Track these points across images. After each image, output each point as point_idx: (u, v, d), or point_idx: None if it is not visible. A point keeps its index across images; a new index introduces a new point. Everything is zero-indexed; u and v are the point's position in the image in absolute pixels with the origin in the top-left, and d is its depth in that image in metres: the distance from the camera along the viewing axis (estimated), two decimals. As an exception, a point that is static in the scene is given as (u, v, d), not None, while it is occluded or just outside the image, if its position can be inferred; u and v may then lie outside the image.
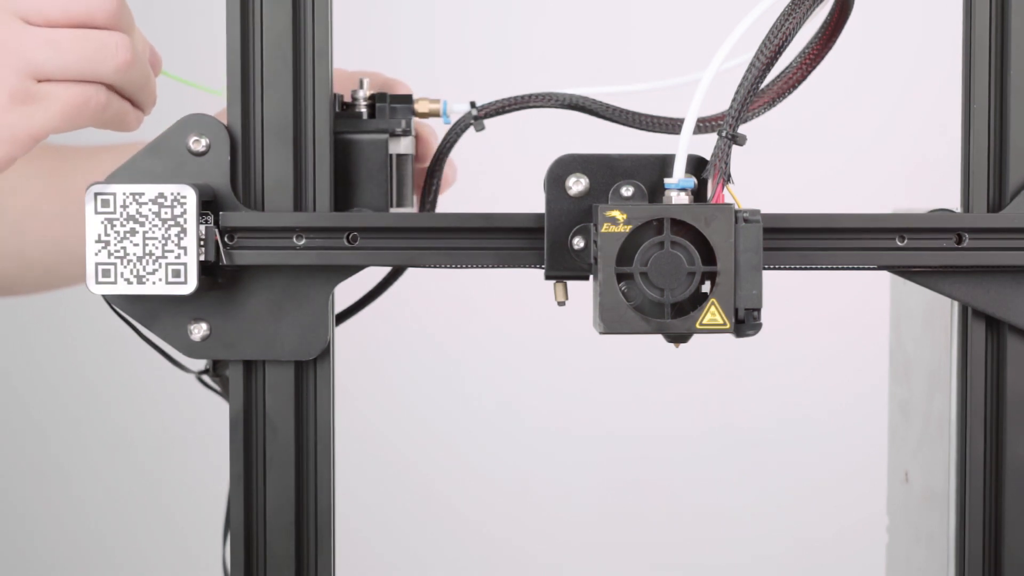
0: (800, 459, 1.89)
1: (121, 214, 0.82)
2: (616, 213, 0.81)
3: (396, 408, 1.90)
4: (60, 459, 1.91)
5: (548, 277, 0.85)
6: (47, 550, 1.92)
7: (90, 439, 1.91)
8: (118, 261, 0.83)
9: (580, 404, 1.89)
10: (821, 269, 0.86)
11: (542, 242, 0.85)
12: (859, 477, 1.76)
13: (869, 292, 1.57)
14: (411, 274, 0.93)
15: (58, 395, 1.91)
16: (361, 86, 0.91)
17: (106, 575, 1.93)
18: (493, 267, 0.85)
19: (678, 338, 0.82)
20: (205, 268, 0.83)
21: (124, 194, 0.82)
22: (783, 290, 1.14)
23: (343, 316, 0.97)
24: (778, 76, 0.86)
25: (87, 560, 1.93)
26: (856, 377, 1.84)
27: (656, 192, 0.85)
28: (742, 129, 0.84)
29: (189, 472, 1.90)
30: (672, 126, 0.87)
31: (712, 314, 0.81)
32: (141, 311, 0.85)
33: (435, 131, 0.96)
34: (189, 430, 1.89)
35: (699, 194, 0.84)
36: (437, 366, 1.90)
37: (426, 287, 1.70)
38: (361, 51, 1.80)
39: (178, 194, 0.82)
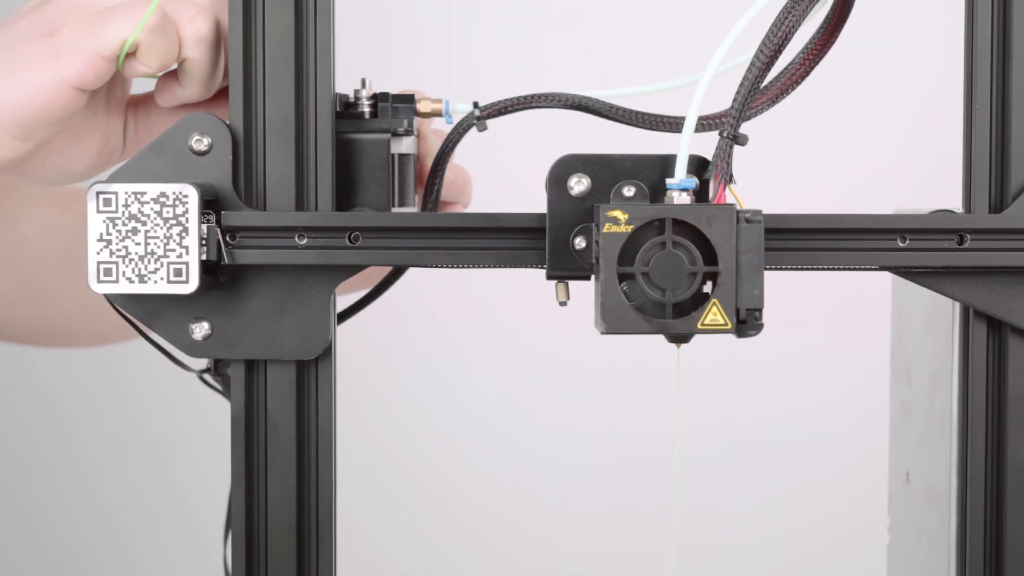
0: (801, 459, 1.89)
1: (123, 213, 0.83)
2: (618, 213, 0.81)
3: (398, 407, 1.90)
4: (61, 455, 1.91)
5: (550, 277, 0.85)
6: (39, 548, 1.92)
7: (91, 438, 1.91)
8: (120, 260, 0.83)
9: (582, 402, 1.89)
10: (822, 269, 0.86)
11: (543, 242, 0.85)
12: (860, 477, 1.76)
13: (870, 292, 1.57)
14: (414, 272, 0.93)
15: (71, 390, 1.91)
16: (364, 85, 0.91)
17: (102, 574, 1.93)
18: (494, 267, 0.85)
19: (679, 338, 0.83)
20: (207, 267, 0.83)
21: (126, 193, 0.83)
22: (784, 291, 1.14)
23: (344, 315, 0.97)
24: (780, 73, 0.86)
25: (85, 559, 1.93)
26: (857, 377, 1.84)
27: (658, 192, 0.85)
28: (745, 128, 0.84)
29: (190, 471, 1.90)
30: (675, 125, 0.87)
31: (713, 314, 0.81)
32: (143, 310, 0.85)
33: (438, 131, 0.96)
34: (190, 429, 1.89)
35: (701, 194, 0.84)
36: (439, 364, 1.90)
37: (429, 285, 1.70)
38: (367, 52, 1.80)
39: (180, 193, 0.82)
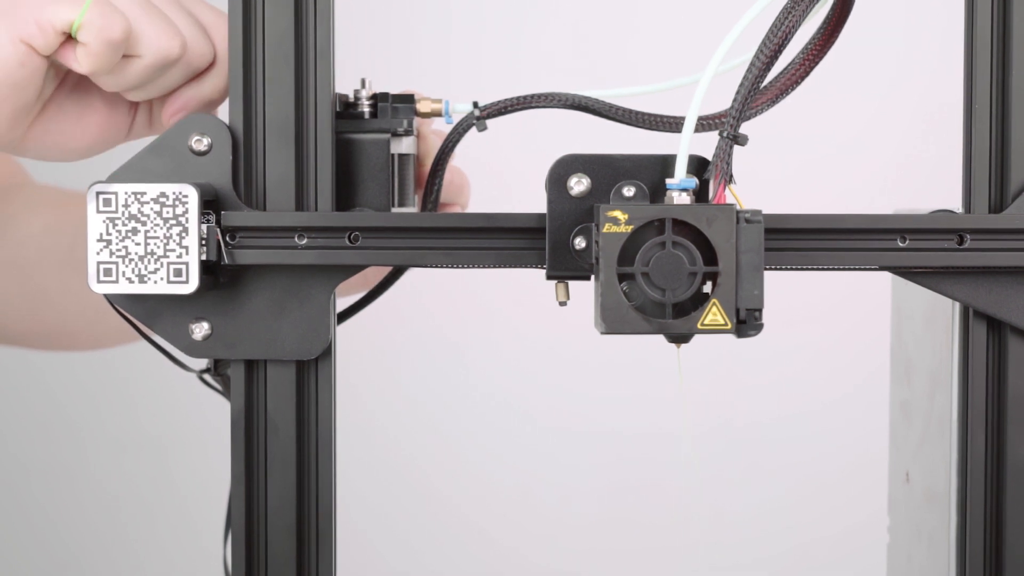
0: (801, 459, 1.89)
1: (123, 213, 0.83)
2: (618, 213, 0.81)
3: (398, 407, 1.90)
4: (61, 455, 1.91)
5: (550, 277, 0.85)
6: (39, 550, 1.92)
7: (92, 438, 1.91)
8: (120, 260, 0.83)
9: (582, 402, 1.89)
10: (822, 269, 0.86)
11: (543, 242, 0.85)
12: (860, 477, 1.76)
13: (870, 292, 1.57)
14: (414, 272, 0.93)
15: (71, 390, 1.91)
16: (363, 85, 0.91)
17: (102, 574, 1.93)
18: (494, 267, 0.85)
19: (679, 338, 0.82)
20: (207, 267, 0.83)
21: (126, 193, 0.83)
22: (784, 291, 1.14)
23: (344, 315, 0.97)
24: (780, 73, 0.86)
25: (85, 559, 1.93)
26: (857, 377, 1.84)
27: (658, 192, 0.85)
28: (745, 128, 0.84)
29: (190, 471, 1.90)
30: (674, 125, 0.87)
31: (713, 314, 0.81)
32: (143, 310, 0.85)
33: (438, 131, 0.96)
34: (190, 429, 1.89)
35: (701, 194, 0.84)
36: (439, 364, 1.90)
37: (429, 285, 1.70)
38: (367, 52, 1.80)
39: (180, 193, 0.82)
